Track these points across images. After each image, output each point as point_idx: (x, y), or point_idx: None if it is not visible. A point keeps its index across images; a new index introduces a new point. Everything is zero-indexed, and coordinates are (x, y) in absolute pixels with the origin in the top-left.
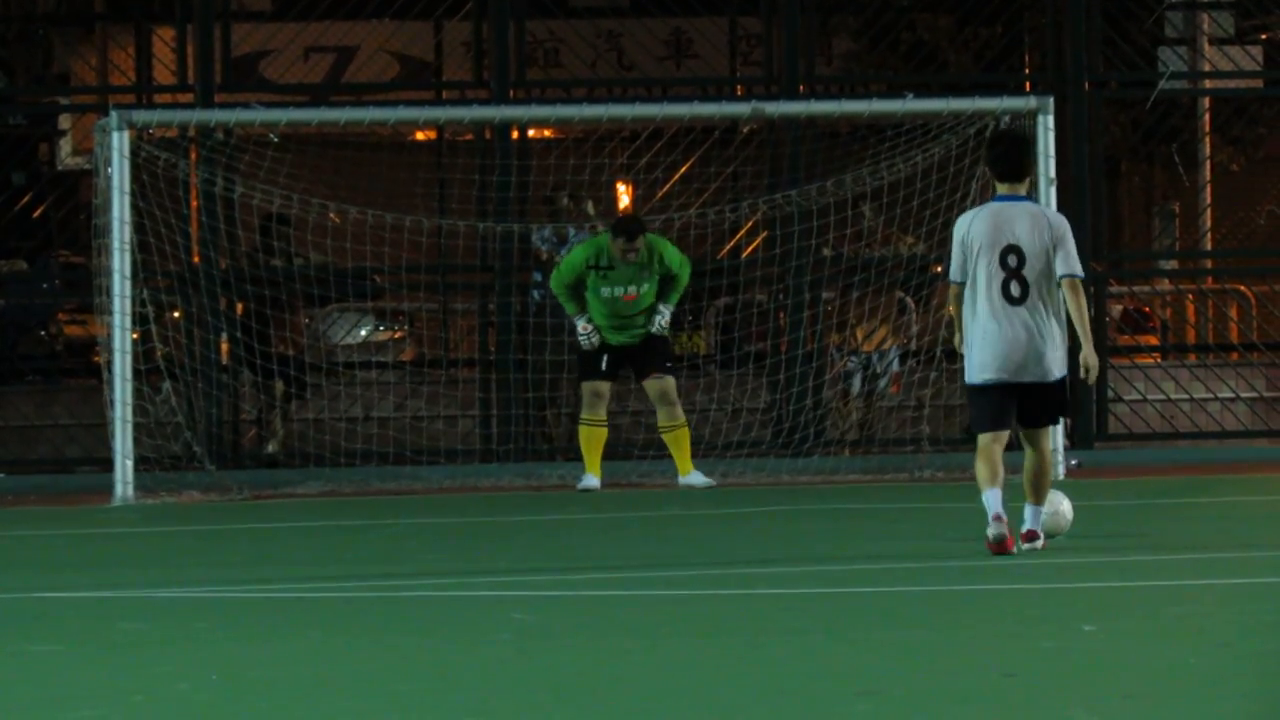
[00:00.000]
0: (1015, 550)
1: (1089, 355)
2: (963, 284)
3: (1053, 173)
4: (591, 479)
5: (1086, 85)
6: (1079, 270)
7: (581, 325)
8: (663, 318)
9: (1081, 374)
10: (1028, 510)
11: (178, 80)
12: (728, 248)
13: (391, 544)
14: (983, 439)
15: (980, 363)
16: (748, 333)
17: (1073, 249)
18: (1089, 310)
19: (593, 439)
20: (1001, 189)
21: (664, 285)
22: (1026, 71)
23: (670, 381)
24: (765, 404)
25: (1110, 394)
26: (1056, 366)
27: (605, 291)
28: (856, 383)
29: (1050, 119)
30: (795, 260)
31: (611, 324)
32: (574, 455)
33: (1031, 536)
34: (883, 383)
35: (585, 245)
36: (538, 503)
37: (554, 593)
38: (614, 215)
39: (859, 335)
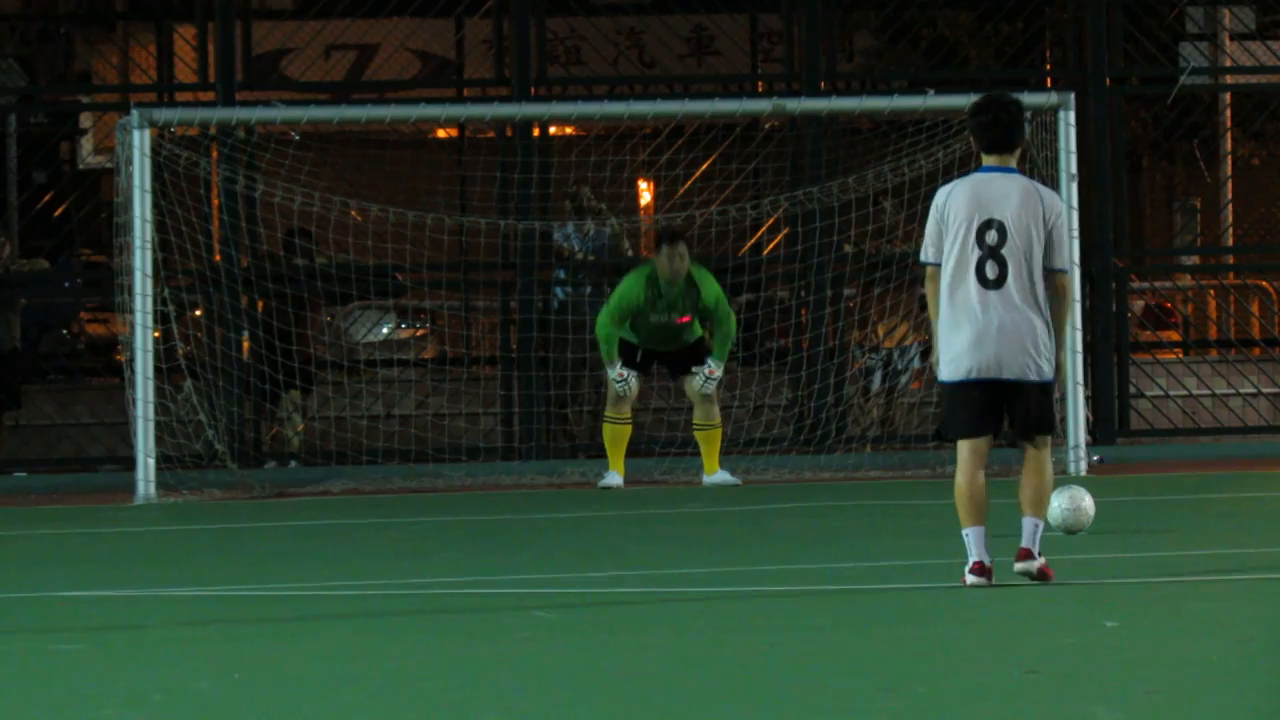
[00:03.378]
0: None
1: (1061, 358)
2: (939, 266)
3: (1074, 169)
4: (614, 476)
5: (1107, 81)
6: (1068, 263)
7: (616, 373)
8: (711, 373)
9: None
10: (1025, 525)
11: (199, 79)
12: (749, 245)
13: (413, 542)
14: (960, 449)
15: (949, 357)
16: (769, 330)
17: (1067, 240)
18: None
19: (617, 436)
20: (988, 161)
21: (709, 325)
22: (1047, 68)
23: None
24: (787, 401)
25: (1132, 390)
26: (1038, 366)
27: (655, 319)
28: (877, 379)
29: (1071, 115)
30: (817, 257)
31: (653, 348)
32: (596, 452)
33: (1026, 555)
34: (904, 379)
35: (635, 278)
36: (559, 500)
37: (576, 590)
38: (634, 213)
39: (880, 331)
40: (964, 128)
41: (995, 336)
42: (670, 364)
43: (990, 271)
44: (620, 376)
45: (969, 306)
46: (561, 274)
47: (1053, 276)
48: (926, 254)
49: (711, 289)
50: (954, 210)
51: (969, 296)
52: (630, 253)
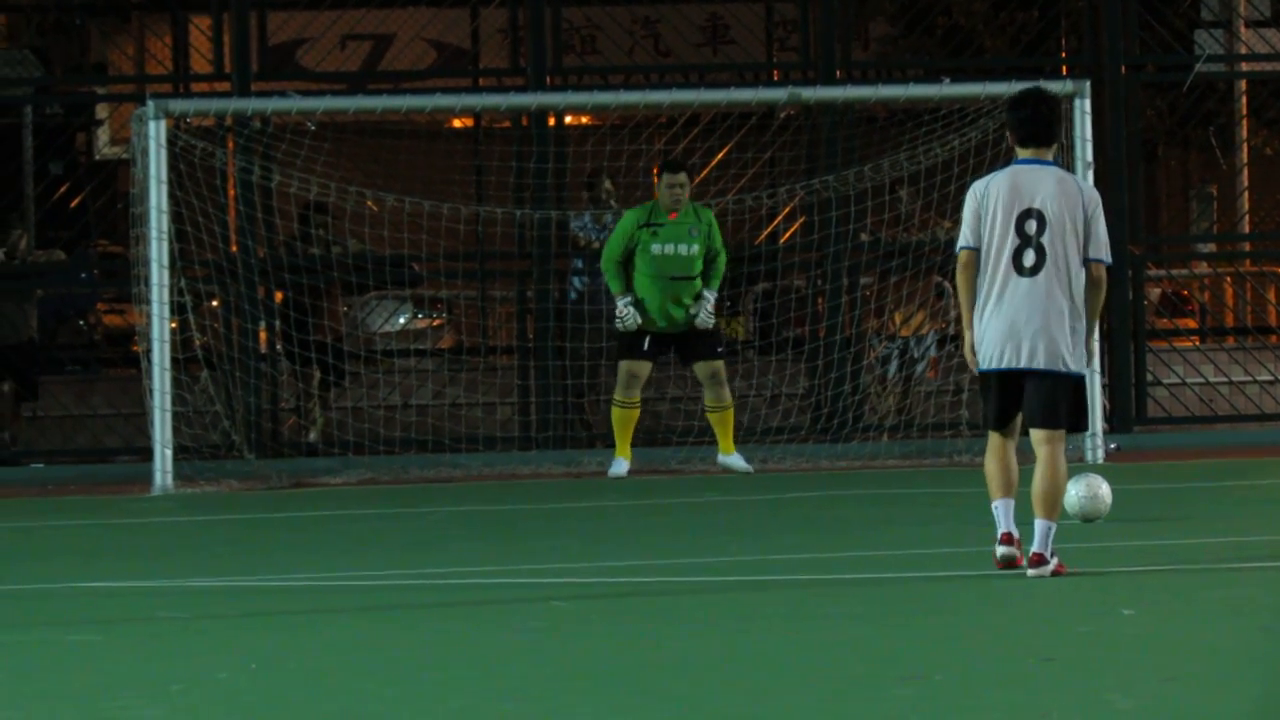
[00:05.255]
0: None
1: (1091, 346)
2: (976, 250)
3: (1090, 156)
4: (621, 464)
5: (1123, 69)
6: (1109, 257)
7: (621, 306)
8: (708, 304)
9: None
10: (1037, 527)
11: (214, 69)
12: (765, 233)
13: (430, 532)
14: (992, 438)
15: (983, 348)
16: (786, 318)
17: (1104, 231)
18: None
19: (627, 421)
20: (1024, 154)
21: (706, 269)
22: (1063, 55)
23: (721, 364)
24: (804, 389)
25: (1149, 377)
26: (1069, 358)
27: (656, 248)
28: (893, 367)
29: (1087, 103)
30: (833, 245)
31: (662, 294)
32: (612, 442)
33: (1039, 561)
34: (920, 368)
35: (631, 211)
36: (576, 489)
37: (592, 579)
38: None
39: (896, 320)
40: (979, 115)
41: (1025, 325)
42: (682, 349)
43: (1027, 260)
44: (624, 311)
45: (1004, 295)
46: (579, 264)
47: (1090, 266)
48: (965, 239)
49: (718, 231)
50: (994, 199)
51: (1005, 285)
52: None
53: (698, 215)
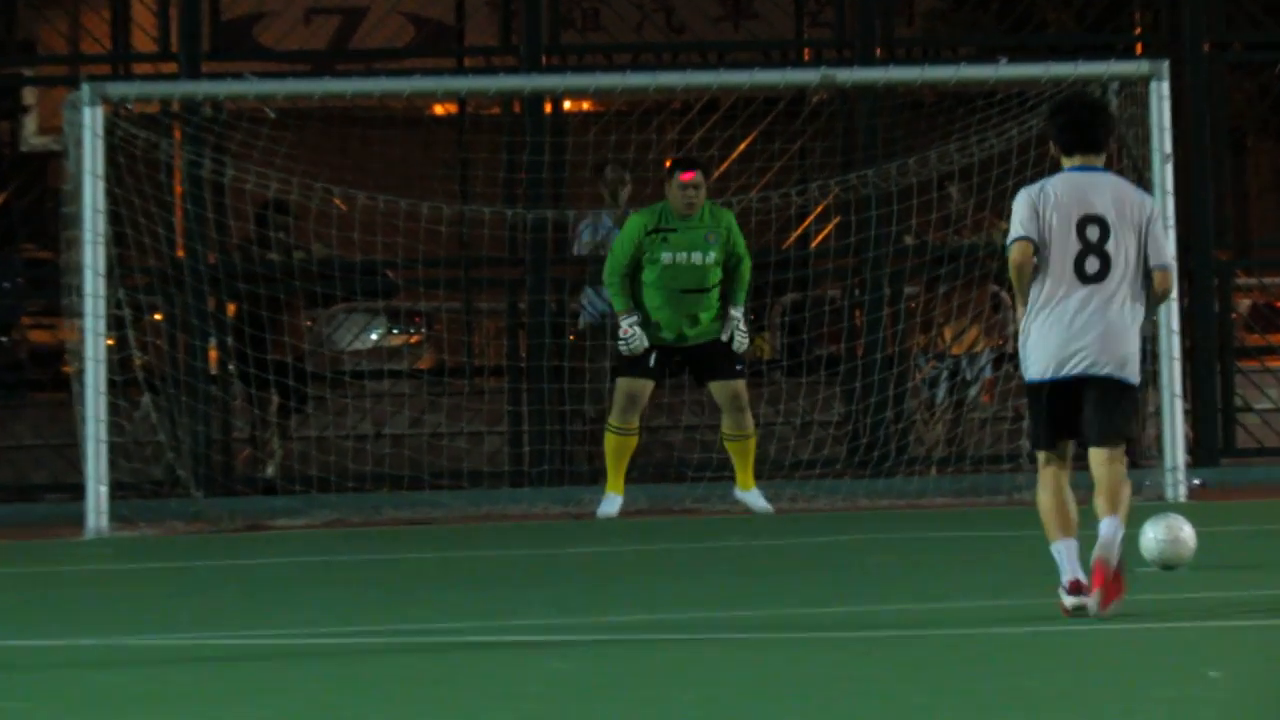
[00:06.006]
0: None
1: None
2: (1029, 240)
3: (1168, 148)
4: (613, 501)
5: (1206, 47)
6: (1172, 260)
7: (625, 326)
8: (738, 323)
9: None
10: (1103, 526)
11: (159, 48)
12: (794, 236)
13: (407, 582)
14: (1041, 461)
15: (1036, 356)
16: (818, 334)
17: (1164, 234)
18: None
19: (622, 450)
20: (1073, 163)
21: (727, 281)
22: (1137, 32)
23: (742, 385)
24: (839, 417)
25: (1238, 402)
26: (1131, 366)
27: (667, 257)
28: (943, 391)
29: (1165, 86)
30: (873, 250)
31: (673, 311)
32: None
33: (1102, 568)
34: (973, 391)
35: (638, 214)
36: (576, 533)
37: (595, 637)
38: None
39: (946, 336)
40: (1040, 101)
41: (1088, 332)
42: (697, 366)
43: (1090, 267)
44: (627, 332)
45: (1066, 303)
46: (591, 292)
47: (1155, 274)
48: (1017, 230)
49: (740, 235)
50: (1052, 202)
51: (1063, 292)
52: None
53: (715, 218)
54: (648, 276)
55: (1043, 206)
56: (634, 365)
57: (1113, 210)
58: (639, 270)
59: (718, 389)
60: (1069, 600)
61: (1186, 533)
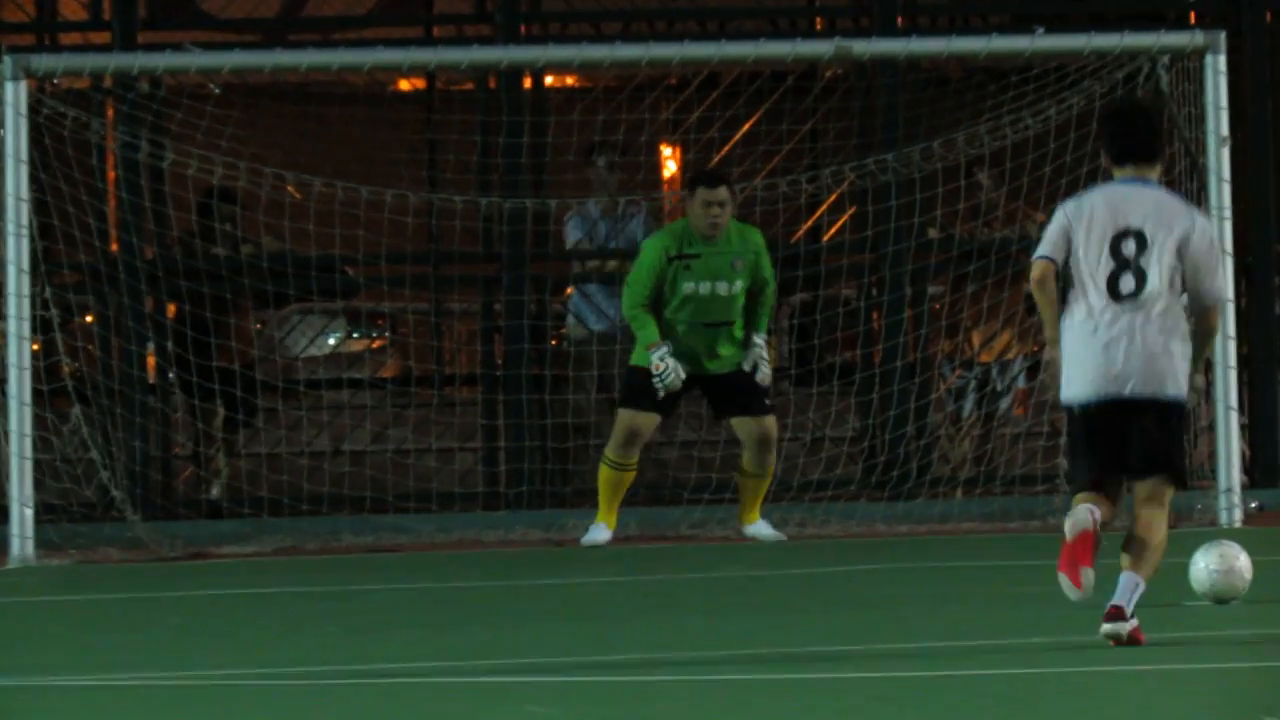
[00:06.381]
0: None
1: (1199, 382)
2: (1051, 261)
3: (1225, 129)
4: (601, 530)
5: (1268, 16)
6: (1226, 294)
7: (657, 360)
8: (761, 351)
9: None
10: (1122, 580)
11: (90, 16)
12: (804, 229)
13: (368, 617)
14: (1076, 500)
15: (1069, 377)
16: (831, 339)
17: (1218, 266)
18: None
19: (617, 484)
20: (1122, 174)
21: (750, 306)
22: None
23: (772, 422)
24: (854, 432)
25: None
26: (1173, 385)
27: (689, 287)
28: (970, 403)
29: (1222, 60)
30: (892, 245)
31: (694, 346)
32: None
33: (1116, 615)
34: (1005, 403)
35: (657, 236)
36: (558, 561)
37: (579, 678)
38: (656, 188)
39: (975, 342)
40: (1082, 77)
41: (1125, 352)
42: (719, 397)
43: (1125, 285)
44: (660, 367)
45: (1100, 325)
46: (578, 299)
47: (1197, 309)
48: (1041, 247)
49: (767, 256)
50: (1088, 218)
51: (1097, 311)
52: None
53: (744, 239)
54: (667, 308)
55: (1076, 224)
56: (639, 396)
57: (1150, 221)
58: (659, 297)
59: (743, 425)
60: (1105, 626)
61: (1242, 562)
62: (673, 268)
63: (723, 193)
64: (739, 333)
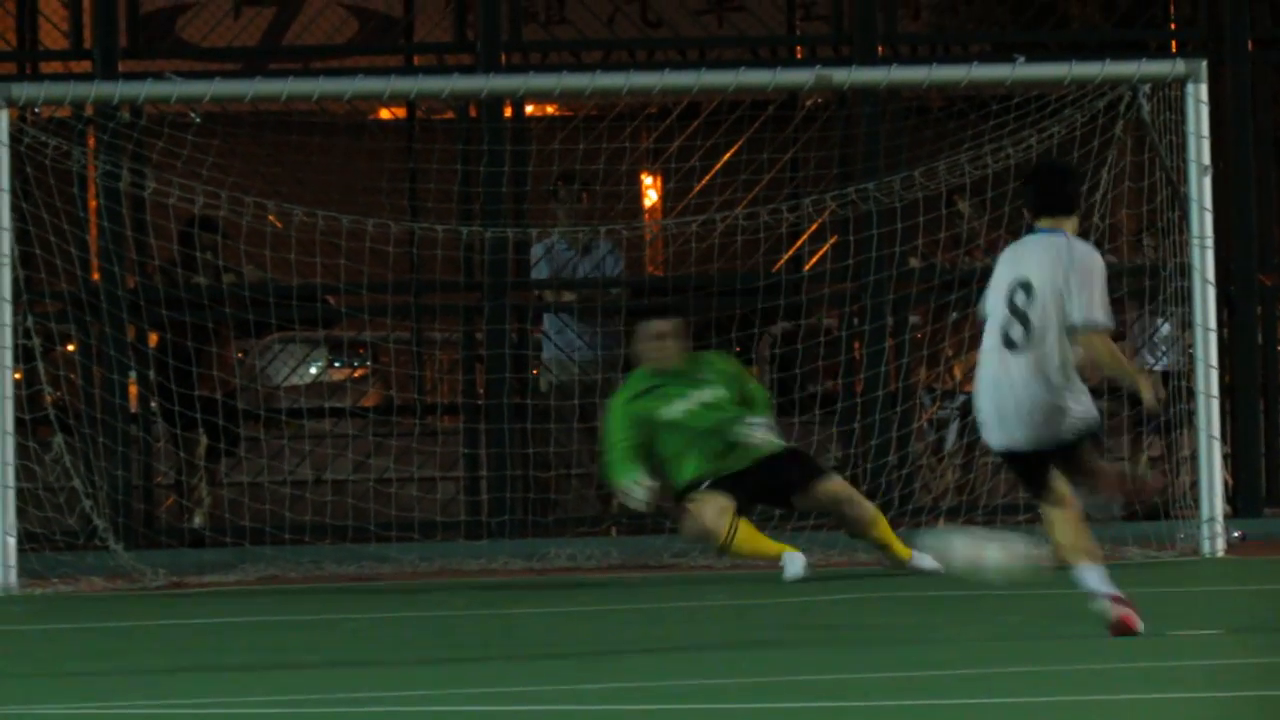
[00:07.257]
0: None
1: (1149, 399)
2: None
3: (1207, 158)
4: (793, 562)
5: (1250, 45)
6: (1100, 318)
7: (628, 483)
8: (758, 429)
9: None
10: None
11: (71, 44)
12: (785, 258)
13: (350, 647)
14: (1045, 513)
15: (982, 420)
16: (812, 369)
17: (1098, 292)
18: (1120, 357)
19: (750, 537)
20: (1041, 225)
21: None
22: (1172, 27)
23: (838, 480)
24: (836, 461)
25: None
26: (1065, 423)
27: (668, 411)
28: (952, 433)
29: (1203, 89)
30: (873, 274)
31: (702, 449)
32: (588, 531)
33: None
34: None
35: (615, 395)
36: (541, 591)
37: (563, 708)
38: (636, 217)
39: (956, 372)
40: (1063, 105)
41: (1014, 407)
42: (764, 487)
43: (1015, 334)
44: (629, 487)
45: (994, 373)
46: (550, 326)
47: (1074, 335)
48: (980, 306)
49: (743, 371)
50: (997, 273)
51: (991, 361)
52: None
53: (707, 366)
54: (664, 442)
55: (990, 283)
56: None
57: (1037, 271)
58: (651, 439)
59: (823, 491)
60: (1118, 610)
61: (1000, 551)
62: (643, 404)
63: (665, 324)
64: (740, 428)
